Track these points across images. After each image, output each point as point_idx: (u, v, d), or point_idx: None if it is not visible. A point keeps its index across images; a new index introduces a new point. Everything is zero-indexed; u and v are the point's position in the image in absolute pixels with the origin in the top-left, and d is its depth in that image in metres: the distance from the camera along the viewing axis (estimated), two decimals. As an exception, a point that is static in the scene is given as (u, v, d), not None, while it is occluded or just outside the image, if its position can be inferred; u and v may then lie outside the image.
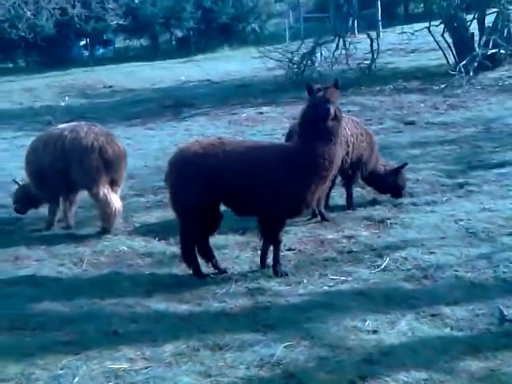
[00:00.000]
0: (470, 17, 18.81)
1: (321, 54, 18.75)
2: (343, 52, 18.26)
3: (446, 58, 18.63)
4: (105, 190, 7.65)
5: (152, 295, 6.21)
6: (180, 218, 6.59)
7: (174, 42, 31.09)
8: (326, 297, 5.95)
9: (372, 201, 8.66)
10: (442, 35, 18.87)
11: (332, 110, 6.17)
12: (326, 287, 6.19)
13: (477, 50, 17.26)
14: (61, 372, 4.88)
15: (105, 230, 7.80)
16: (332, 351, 4.96)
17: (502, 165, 9.75)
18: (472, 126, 12.38)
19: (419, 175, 9.55)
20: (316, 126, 6.19)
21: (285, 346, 5.05)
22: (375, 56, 18.56)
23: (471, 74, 16.69)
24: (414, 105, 14.83)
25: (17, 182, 8.67)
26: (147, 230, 8.03)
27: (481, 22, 18.65)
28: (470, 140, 11.39)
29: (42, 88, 21.83)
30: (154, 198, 9.38)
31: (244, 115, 15.20)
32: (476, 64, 16.93)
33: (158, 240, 7.68)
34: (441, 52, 21.44)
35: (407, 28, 24.83)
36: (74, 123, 8.13)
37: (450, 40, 18.83)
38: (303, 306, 5.77)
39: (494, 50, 17.28)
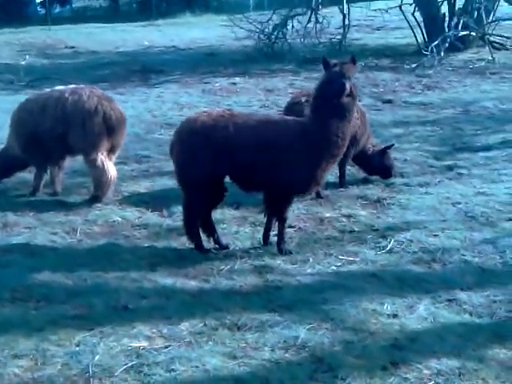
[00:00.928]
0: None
1: (292, 26, 18.50)
2: (317, 26, 18.05)
3: (416, 38, 18.61)
4: (102, 156, 7.38)
5: (156, 269, 6.02)
6: (185, 191, 6.38)
7: (134, 5, 30.38)
8: (338, 277, 5.84)
9: (364, 179, 8.56)
10: (413, 14, 18.84)
11: (348, 86, 6.02)
12: (333, 267, 6.08)
13: (447, 31, 17.24)
14: (77, 349, 4.68)
15: (96, 199, 7.53)
16: (356, 335, 4.86)
17: (487, 148, 9.75)
18: (450, 108, 12.37)
19: (406, 155, 9.50)
20: (330, 102, 6.03)
21: (307, 329, 4.92)
22: (346, 31, 18.42)
23: (442, 54, 16.69)
24: (389, 83, 14.77)
25: None
26: (138, 200, 7.78)
27: (451, 3, 18.68)
28: (450, 122, 11.38)
29: (0, 45, 21.08)
30: (139, 167, 9.13)
31: (217, 85, 14.91)
32: (447, 45, 16.93)
33: (151, 211, 7.44)
34: (407, 31, 21.45)
35: (375, 4, 24.86)
36: (73, 85, 7.78)
37: (419, 19, 18.79)
38: (316, 287, 5.65)
39: (465, 32, 17.30)
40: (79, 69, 17.73)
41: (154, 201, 7.76)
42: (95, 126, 7.27)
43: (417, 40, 18.62)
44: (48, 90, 7.92)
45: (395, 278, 5.78)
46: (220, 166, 6.19)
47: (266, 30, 18.69)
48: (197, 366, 4.44)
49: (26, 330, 4.89)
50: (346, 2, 19.12)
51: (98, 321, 5.05)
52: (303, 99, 7.75)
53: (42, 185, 7.89)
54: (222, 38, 22.27)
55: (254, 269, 6.07)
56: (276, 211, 6.42)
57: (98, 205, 7.54)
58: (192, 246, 6.48)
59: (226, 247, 6.53)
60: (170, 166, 8.88)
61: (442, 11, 18.53)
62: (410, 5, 18.56)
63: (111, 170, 7.46)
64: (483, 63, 16.59)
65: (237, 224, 7.10)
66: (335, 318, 5.09)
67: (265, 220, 6.60)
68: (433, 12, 18.25)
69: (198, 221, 6.42)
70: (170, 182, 8.34)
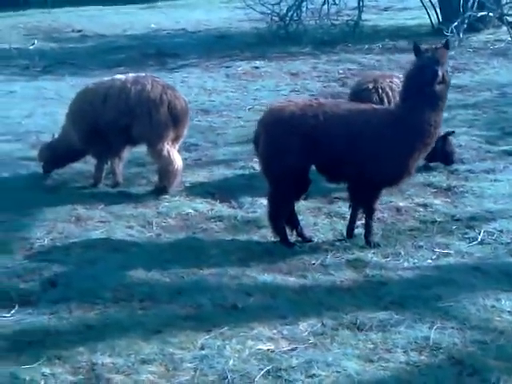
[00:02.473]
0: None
1: (306, 7, 18.20)
2: (331, 7, 17.78)
3: (430, 19, 18.33)
4: (168, 146, 7.15)
5: (249, 264, 5.83)
6: (271, 183, 6.17)
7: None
8: (440, 271, 5.68)
9: (425, 167, 8.35)
10: (428, -5, 18.61)
11: (440, 73, 5.82)
12: (429, 260, 5.91)
13: (464, 11, 17.01)
14: (204, 352, 4.48)
15: (163, 190, 7.30)
16: (486, 334, 4.70)
17: (535, 131, 9.58)
18: (487, 90, 12.18)
19: (459, 140, 9.31)
20: (423, 90, 5.84)
21: (434, 328, 4.75)
22: (361, 12, 18.16)
23: (461, 36, 16.49)
24: (414, 65, 14.53)
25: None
26: (202, 191, 7.54)
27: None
28: (491, 105, 11.19)
29: (6, 29, 20.58)
30: (190, 156, 8.83)
31: (240, 69, 14.59)
32: (465, 26, 16.73)
33: (219, 202, 7.22)
34: (415, 11, 21.23)
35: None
36: (132, 74, 7.52)
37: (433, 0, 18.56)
38: (422, 282, 5.49)
39: (483, 13, 17.11)
40: (92, 53, 17.31)
41: (218, 191, 7.53)
42: (161, 116, 7.05)
43: (431, 21, 18.37)
44: (107, 78, 7.64)
45: (500, 272, 5.63)
46: (309, 156, 6.01)
47: (279, 11, 18.31)
48: (338, 371, 4.26)
49: (143, 333, 4.70)
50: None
51: (212, 321, 4.86)
52: (370, 85, 7.55)
53: (103, 176, 7.62)
54: (228, 19, 21.86)
55: (347, 263, 5.90)
56: (365, 203, 6.25)
57: (166, 196, 7.31)
58: (276, 239, 6.28)
59: (310, 240, 6.35)
60: (221, 154, 8.87)
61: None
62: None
63: (177, 159, 7.24)
64: (503, 44, 16.36)
65: (313, 215, 6.90)
66: (457, 317, 4.92)
67: (350, 212, 6.41)
68: (448, -8, 17.98)
69: (284, 214, 6.22)
70: (228, 172, 8.20)
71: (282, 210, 6.20)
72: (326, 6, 17.74)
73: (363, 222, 6.35)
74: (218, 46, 17.53)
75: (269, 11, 18.30)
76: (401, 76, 8.05)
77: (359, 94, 7.56)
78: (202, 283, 5.44)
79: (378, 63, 14.93)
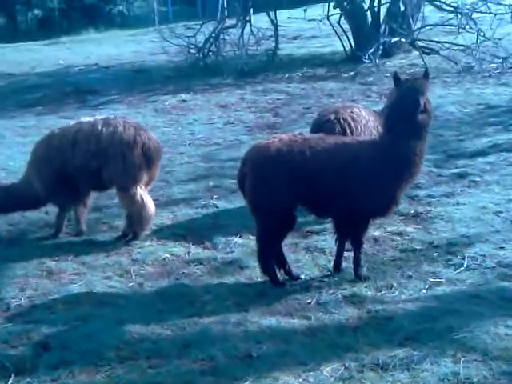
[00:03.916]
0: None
1: (223, 38, 18.17)
2: (250, 37, 17.82)
3: (343, 46, 18.67)
4: (141, 190, 6.83)
5: (246, 309, 5.61)
6: (260, 222, 5.99)
7: (30, 22, 29.03)
8: (441, 302, 5.62)
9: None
10: (339, 23, 18.96)
11: (422, 103, 5.82)
12: (424, 290, 5.85)
13: (378, 37, 17.38)
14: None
15: (135, 236, 6.98)
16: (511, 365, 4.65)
17: (481, 154, 9.79)
18: (418, 115, 12.39)
19: (408, 166, 9.37)
20: (405, 121, 5.82)
21: (456, 362, 4.67)
22: (278, 42, 18.30)
23: (377, 61, 16.83)
24: (340, 92, 14.70)
25: None
26: (171, 234, 7.28)
27: (375, 12, 18.88)
28: (427, 129, 11.37)
29: None
30: (147, 196, 8.55)
31: (167, 103, 14.38)
32: (380, 52, 17.08)
33: (193, 244, 6.98)
34: (324, 39, 21.81)
35: (285, 14, 24.83)
36: (101, 116, 7.19)
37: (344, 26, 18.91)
38: (427, 314, 5.40)
39: (396, 39, 17.52)
40: (3, 93, 16.73)
41: (188, 233, 7.29)
42: (135, 159, 6.73)
43: (344, 48, 18.69)
44: (72, 123, 7.26)
45: (499, 298, 5.61)
46: (298, 192, 5.87)
47: (195, 43, 18.22)
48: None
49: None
50: (254, 12, 19.05)
51: (232, 374, 4.62)
52: (332, 116, 7.50)
53: (64, 225, 7.23)
54: (138, 53, 21.70)
55: (344, 299, 5.77)
56: (353, 236, 6.15)
57: (136, 242, 6.99)
58: (264, 278, 6.10)
59: (298, 278, 6.19)
60: (177, 192, 8.62)
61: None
62: (340, 15, 18.63)
63: (150, 204, 6.95)
64: (417, 68, 16.77)
65: (291, 251, 6.74)
66: (476, 348, 4.85)
67: (336, 246, 6.30)
68: (360, 20, 18.35)
69: (273, 253, 6.05)
70: (191, 211, 7.98)
71: (272, 248, 6.03)
72: (243, 37, 17.72)
73: (346, 255, 6.27)
74: (137, 81, 17.28)
75: (185, 43, 18.19)
76: (359, 106, 8.13)
77: (322, 125, 7.47)
78: (207, 333, 5.17)
79: (304, 91, 15.04)
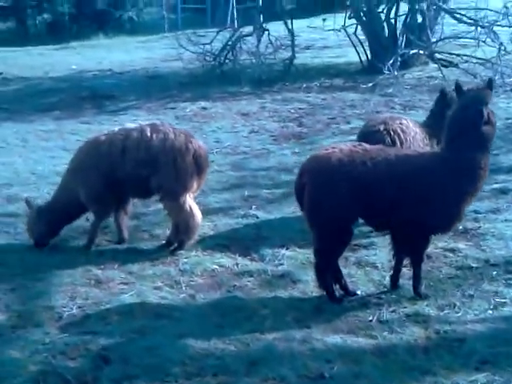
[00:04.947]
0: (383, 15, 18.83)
1: (240, 46, 18.00)
2: (269, 45, 17.65)
3: (359, 56, 18.51)
4: (190, 199, 6.63)
5: (308, 325, 5.41)
6: (320, 235, 5.79)
7: (39, 27, 28.79)
8: (509, 323, 5.42)
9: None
10: (355, 33, 18.80)
11: (485, 113, 5.65)
12: (490, 311, 5.64)
13: (395, 48, 17.25)
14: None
15: (181, 245, 6.76)
16: None
17: (519, 168, 9.62)
18: (447, 128, 12.24)
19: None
20: (468, 132, 5.64)
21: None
22: (295, 52, 18.14)
23: (396, 73, 16.67)
24: (362, 103, 14.52)
25: (28, 203, 7.08)
26: (214, 244, 7.07)
27: (391, 23, 18.74)
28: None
29: None
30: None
31: (187, 110, 14.18)
32: (398, 64, 16.93)
33: (239, 256, 6.77)
34: (337, 50, 21.61)
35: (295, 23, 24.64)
36: (147, 122, 6.97)
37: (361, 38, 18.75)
38: (500, 336, 5.18)
39: (415, 51, 17.39)
40: (19, 97, 16.48)
41: (232, 243, 7.08)
42: (187, 166, 6.53)
43: (360, 58, 18.53)
44: (115, 129, 7.02)
45: None
46: (358, 204, 5.67)
47: (211, 50, 18.05)
48: None
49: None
50: (267, 20, 18.95)
51: (307, 396, 4.40)
52: (381, 127, 7.32)
53: (97, 236, 6.99)
54: (150, 59, 21.47)
55: (407, 318, 5.58)
56: (413, 252, 5.94)
57: (181, 251, 6.78)
58: (320, 293, 5.90)
59: (355, 294, 5.99)
60: (214, 202, 8.41)
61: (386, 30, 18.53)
62: (356, 26, 18.48)
63: (198, 213, 6.74)
64: (436, 81, 16.63)
65: (342, 265, 6.50)
66: None
67: (394, 261, 6.10)
68: (377, 31, 18.22)
69: (331, 267, 5.86)
70: (231, 221, 7.77)
71: (330, 263, 5.84)
72: (261, 45, 17.56)
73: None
74: (152, 87, 17.06)
75: (201, 50, 18.02)
76: (406, 118, 7.96)
77: (370, 136, 7.27)
78: (272, 350, 4.97)
79: (325, 102, 14.87)
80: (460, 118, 5.74)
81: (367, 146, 5.92)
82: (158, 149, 6.53)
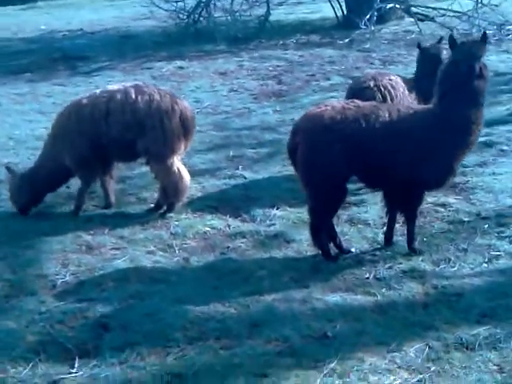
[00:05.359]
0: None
1: (214, 4, 17.69)
2: (244, 1, 17.37)
3: (335, 11, 18.29)
4: (177, 161, 6.50)
5: (307, 285, 5.36)
6: (313, 194, 5.71)
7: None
8: (508, 276, 5.42)
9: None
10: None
11: (477, 68, 5.56)
12: (485, 264, 5.64)
13: (372, 3, 17.04)
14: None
15: (170, 208, 6.64)
16: None
17: (501, 122, 9.56)
18: (427, 82, 12.16)
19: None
20: (460, 86, 5.56)
21: None
22: (269, 8, 17.88)
23: (373, 28, 16.51)
24: (341, 59, 14.36)
25: (10, 169, 6.88)
26: (203, 206, 6.95)
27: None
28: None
29: None
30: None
31: (164, 70, 13.94)
32: (375, 18, 16.76)
33: (230, 217, 6.68)
34: (311, 5, 21.39)
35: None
36: (129, 83, 6.77)
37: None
38: (498, 289, 5.18)
39: (391, 5, 17.21)
40: (-12, 59, 16.06)
41: (221, 205, 6.98)
42: (174, 128, 6.38)
43: (336, 14, 18.31)
44: (97, 91, 6.81)
45: None
46: (352, 161, 5.59)
47: (184, 8, 17.71)
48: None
49: (246, 379, 4.14)
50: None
51: (313, 356, 4.37)
52: (372, 83, 7.21)
53: (84, 202, 6.85)
54: (121, 18, 21.05)
55: (403, 274, 5.56)
56: (407, 209, 5.90)
57: (171, 214, 6.67)
58: (315, 252, 5.85)
59: (349, 251, 5.95)
60: (199, 163, 8.28)
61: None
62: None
63: (186, 174, 6.61)
64: (413, 35, 16.50)
65: (334, 223, 6.46)
66: None
67: (387, 218, 6.06)
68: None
69: (326, 226, 5.80)
70: (218, 182, 7.65)
71: (325, 221, 5.78)
72: (236, 2, 17.27)
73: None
74: (126, 47, 16.71)
75: (174, 8, 17.68)
76: (393, 74, 7.87)
77: (360, 92, 7.16)
78: (273, 311, 4.92)
79: (303, 58, 14.68)
80: (452, 74, 5.64)
81: (360, 102, 5.83)
82: (144, 111, 6.36)
